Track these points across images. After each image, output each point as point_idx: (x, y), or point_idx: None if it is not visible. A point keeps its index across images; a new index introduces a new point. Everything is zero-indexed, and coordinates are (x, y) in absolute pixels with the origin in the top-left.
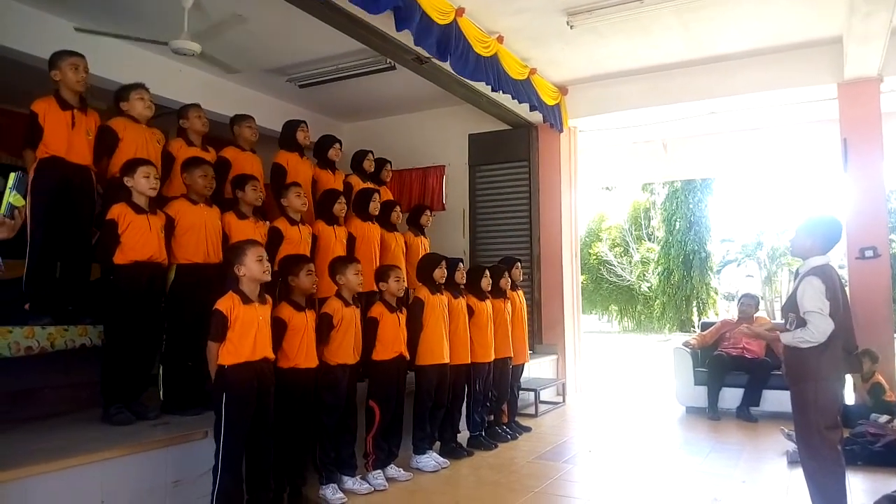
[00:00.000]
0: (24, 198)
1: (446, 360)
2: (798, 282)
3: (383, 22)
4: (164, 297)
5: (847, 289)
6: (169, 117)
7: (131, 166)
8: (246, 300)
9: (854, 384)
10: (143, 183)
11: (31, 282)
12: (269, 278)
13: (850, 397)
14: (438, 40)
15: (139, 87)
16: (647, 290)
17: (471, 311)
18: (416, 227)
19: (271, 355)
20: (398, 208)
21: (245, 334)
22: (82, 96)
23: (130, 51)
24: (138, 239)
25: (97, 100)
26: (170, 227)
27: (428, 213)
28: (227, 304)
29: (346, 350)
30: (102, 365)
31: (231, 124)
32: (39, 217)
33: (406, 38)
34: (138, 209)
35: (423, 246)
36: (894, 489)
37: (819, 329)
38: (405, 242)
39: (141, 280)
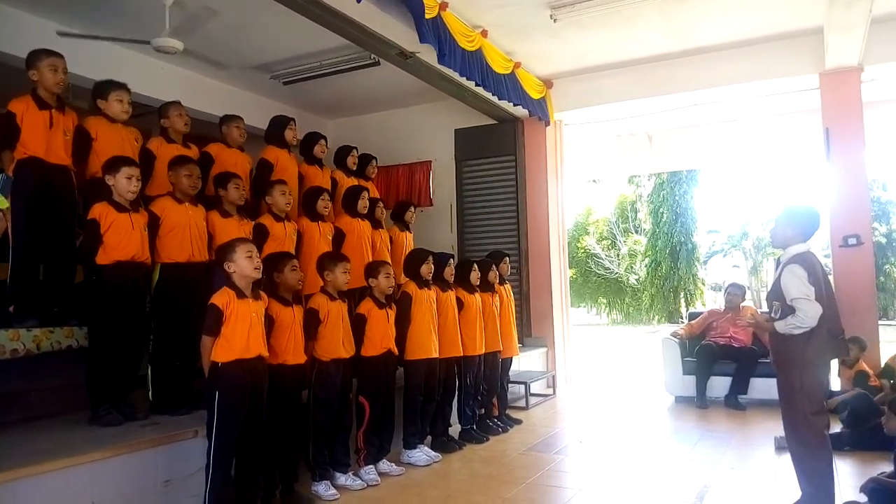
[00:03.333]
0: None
1: (435, 355)
2: (780, 271)
3: (365, 15)
4: (149, 297)
5: (831, 276)
6: (151, 116)
7: (114, 165)
8: (241, 295)
9: (838, 371)
10: (125, 184)
11: (15, 284)
12: (259, 275)
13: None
14: (436, 38)
15: (119, 87)
16: (634, 282)
17: (460, 305)
18: (401, 222)
19: (265, 352)
20: (381, 205)
21: (239, 329)
22: (59, 96)
23: (112, 49)
24: (121, 238)
25: (78, 99)
26: (154, 226)
27: (412, 209)
28: (222, 298)
29: (336, 344)
30: (88, 366)
31: (220, 123)
32: (20, 218)
33: (389, 32)
34: (120, 208)
35: (407, 241)
36: (881, 472)
37: (808, 314)
38: (390, 238)
39: (124, 280)
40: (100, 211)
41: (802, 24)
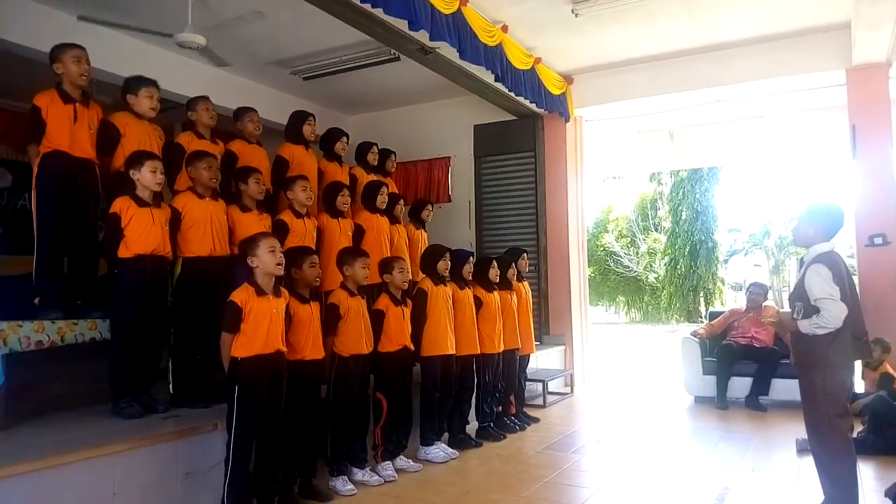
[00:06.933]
0: None
1: (451, 352)
2: (804, 270)
3: None
4: (170, 291)
5: (856, 276)
6: (171, 112)
7: (138, 159)
8: (260, 292)
9: (862, 373)
10: (150, 177)
11: (40, 277)
12: (281, 272)
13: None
14: (450, 31)
15: (150, 84)
16: (654, 280)
17: (479, 303)
18: (417, 220)
19: (284, 348)
20: (402, 202)
21: (259, 326)
22: (84, 90)
23: (133, 44)
24: (141, 232)
25: (102, 94)
26: (176, 221)
27: (429, 207)
28: (241, 295)
29: (356, 340)
30: (109, 359)
31: (234, 118)
32: (45, 212)
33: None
34: (141, 202)
35: (422, 239)
36: None
37: (833, 314)
38: (407, 235)
39: (145, 273)
40: (121, 205)
41: (829, 19)
